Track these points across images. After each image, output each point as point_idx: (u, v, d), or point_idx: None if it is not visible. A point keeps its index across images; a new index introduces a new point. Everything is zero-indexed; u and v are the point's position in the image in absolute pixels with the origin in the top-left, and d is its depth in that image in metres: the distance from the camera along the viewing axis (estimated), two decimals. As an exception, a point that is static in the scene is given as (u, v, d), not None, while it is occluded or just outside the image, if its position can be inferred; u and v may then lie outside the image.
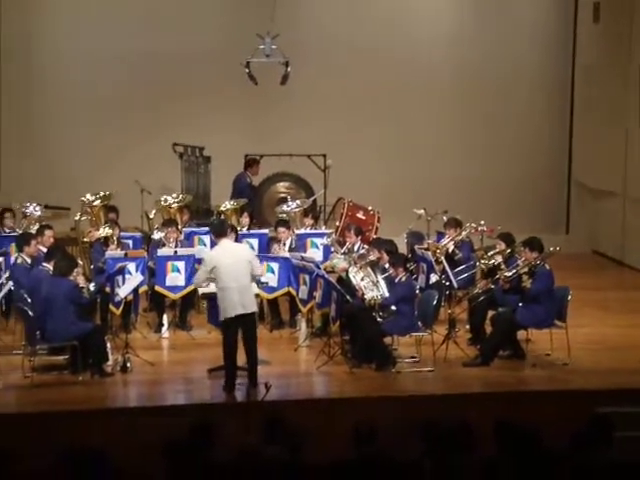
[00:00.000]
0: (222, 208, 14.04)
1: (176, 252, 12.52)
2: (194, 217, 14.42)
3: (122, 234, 13.06)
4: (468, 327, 12.21)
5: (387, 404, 10.25)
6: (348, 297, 11.35)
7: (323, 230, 13.85)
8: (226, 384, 10.51)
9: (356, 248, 12.58)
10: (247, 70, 15.11)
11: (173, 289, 12.40)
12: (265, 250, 13.00)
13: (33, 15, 17.04)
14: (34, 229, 12.99)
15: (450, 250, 12.84)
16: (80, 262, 11.90)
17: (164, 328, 12.55)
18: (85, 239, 13.23)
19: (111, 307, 11.61)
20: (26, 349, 10.91)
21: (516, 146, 17.85)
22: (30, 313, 10.76)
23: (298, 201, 14.23)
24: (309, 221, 13.67)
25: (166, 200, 13.98)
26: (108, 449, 7.04)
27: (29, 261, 11.91)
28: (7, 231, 13.46)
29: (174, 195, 14.25)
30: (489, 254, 11.86)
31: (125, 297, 11.59)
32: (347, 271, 11.80)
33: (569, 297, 11.46)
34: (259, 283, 11.20)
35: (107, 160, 16.78)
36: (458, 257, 12.83)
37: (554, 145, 18.18)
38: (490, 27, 17.73)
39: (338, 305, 11.42)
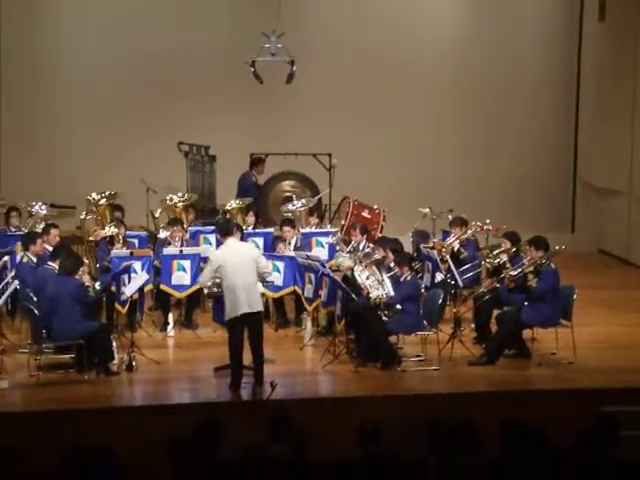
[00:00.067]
0: (227, 207, 14.04)
1: (182, 251, 12.53)
2: (200, 216, 14.43)
3: (128, 233, 13.06)
4: (473, 326, 12.19)
5: (392, 403, 10.26)
6: (353, 296, 11.34)
7: (328, 229, 13.82)
8: (232, 383, 10.53)
9: (361, 247, 12.57)
10: (252, 69, 15.06)
11: (179, 288, 12.41)
12: (270, 249, 12.98)
13: (33, 15, 17.01)
14: (40, 228, 12.98)
15: (455, 249, 12.84)
16: (86, 261, 11.87)
17: (170, 327, 12.56)
18: (91, 238, 13.25)
19: (117, 306, 11.62)
20: (32, 348, 10.93)
21: (521, 145, 17.84)
22: (36, 312, 10.77)
23: (303, 200, 14.23)
24: (314, 220, 13.66)
25: (172, 199, 14.00)
26: (114, 448, 7.04)
27: (35, 260, 11.90)
28: (13, 230, 13.42)
29: (179, 194, 14.28)
30: (494, 253, 11.88)
31: (131, 296, 11.60)
32: (352, 270, 11.78)
33: (574, 296, 11.45)
34: (264, 282, 11.21)
35: (107, 160, 16.76)
36: (463, 256, 12.82)
37: (559, 144, 18.16)
38: (495, 27, 17.71)
39: (343, 304, 11.41)
